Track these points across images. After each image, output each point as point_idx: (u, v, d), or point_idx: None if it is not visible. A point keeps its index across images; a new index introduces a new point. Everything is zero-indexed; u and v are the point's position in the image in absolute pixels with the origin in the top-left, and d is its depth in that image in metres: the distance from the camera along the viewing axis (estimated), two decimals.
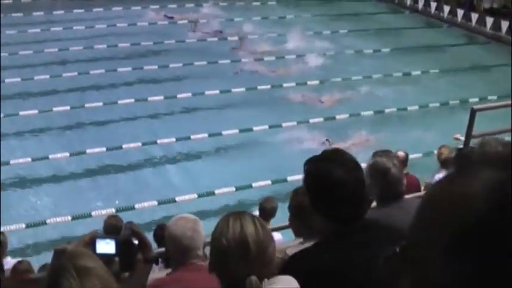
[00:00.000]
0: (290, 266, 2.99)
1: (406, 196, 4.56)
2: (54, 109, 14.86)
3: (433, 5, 26.33)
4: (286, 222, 4.51)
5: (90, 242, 3.16)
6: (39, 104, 15.11)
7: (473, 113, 6.89)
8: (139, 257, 3.51)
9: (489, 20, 23.96)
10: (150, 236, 6.62)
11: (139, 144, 13.46)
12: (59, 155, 12.87)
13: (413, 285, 0.99)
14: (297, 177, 9.08)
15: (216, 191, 11.79)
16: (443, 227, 0.94)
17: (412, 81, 18.33)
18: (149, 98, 15.75)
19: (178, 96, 16.07)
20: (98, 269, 2.23)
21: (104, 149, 13.12)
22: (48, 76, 16.89)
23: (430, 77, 18.71)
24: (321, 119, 15.00)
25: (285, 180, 11.61)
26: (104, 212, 10.56)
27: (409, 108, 16.09)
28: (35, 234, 10.76)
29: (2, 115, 14.09)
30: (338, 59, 19.89)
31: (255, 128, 14.33)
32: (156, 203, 11.38)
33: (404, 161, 8.95)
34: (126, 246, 3.38)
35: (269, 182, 12.11)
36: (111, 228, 7.49)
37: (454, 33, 24.34)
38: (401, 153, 9.07)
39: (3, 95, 15.18)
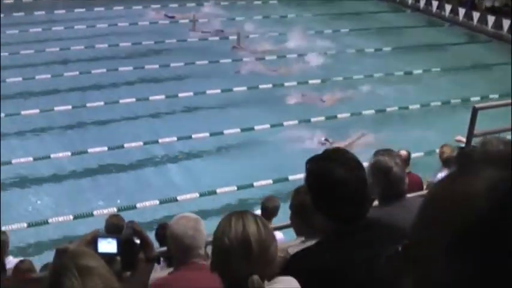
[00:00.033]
0: (292, 265, 3.00)
1: (408, 195, 4.55)
2: (56, 108, 14.86)
3: (435, 3, 26.32)
4: (288, 221, 4.51)
5: (92, 241, 3.16)
6: (41, 104, 15.11)
7: (474, 111, 6.89)
8: (140, 256, 3.52)
9: (490, 19, 23.93)
10: (151, 235, 6.62)
11: (141, 143, 13.46)
12: (60, 155, 12.88)
13: (416, 284, 0.99)
14: (298, 177, 9.11)
15: (218, 190, 11.79)
16: (445, 226, 0.94)
17: (414, 80, 18.31)
18: (150, 97, 15.75)
19: (180, 95, 16.07)
20: (99, 268, 2.23)
21: (106, 148, 13.13)
22: (49, 75, 16.90)
23: (431, 75, 18.69)
24: (323, 118, 14.99)
25: (287, 179, 11.61)
26: (105, 211, 10.56)
27: (410, 107, 16.08)
28: (37, 233, 10.76)
29: (3, 114, 14.09)
30: (339, 58, 19.88)
31: (256, 127, 14.32)
32: (157, 202, 11.38)
33: (406, 160, 8.96)
34: (127, 246, 3.39)
35: (270, 181, 12.10)
36: (113, 228, 7.49)
37: (456, 32, 24.32)
38: (403, 152, 9.06)
39: (5, 95, 15.20)
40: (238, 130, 14.16)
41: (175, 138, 13.74)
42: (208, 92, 16.23)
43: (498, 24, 23.61)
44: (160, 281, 4.08)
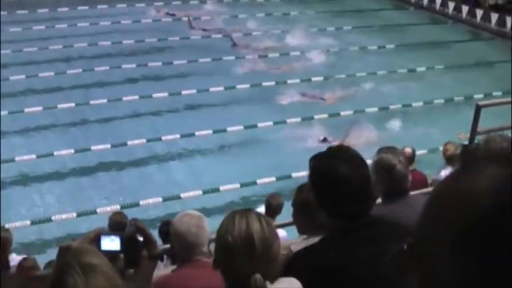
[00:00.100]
0: (295, 262, 3.00)
1: (412, 192, 4.55)
2: (59, 106, 14.87)
3: (438, 1, 26.25)
4: (291, 219, 4.51)
5: (95, 239, 3.16)
6: (44, 101, 15.13)
7: (478, 109, 6.90)
8: (144, 254, 3.52)
9: (494, 16, 23.87)
10: (155, 233, 6.63)
11: (144, 140, 13.47)
12: (63, 152, 12.89)
13: (421, 281, 0.99)
14: (301, 174, 9.07)
15: (221, 188, 11.79)
16: (449, 224, 0.94)
17: (417, 77, 18.28)
18: (154, 95, 15.76)
19: (183, 93, 16.06)
20: (103, 265, 2.23)
21: (109, 145, 13.14)
22: (52, 73, 16.90)
23: (434, 73, 18.66)
24: (326, 116, 14.99)
25: (290, 177, 11.59)
26: (108, 208, 10.57)
27: (413, 104, 16.05)
28: (40, 231, 10.78)
29: (6, 112, 14.11)
30: (342, 55, 19.85)
31: (259, 125, 14.31)
32: (160, 199, 11.40)
33: (411, 157, 8.95)
34: (130, 243, 3.39)
35: (274, 178, 12.10)
36: (116, 225, 7.51)
37: (459, 29, 24.26)
38: (408, 150, 9.05)
39: (8, 92, 15.23)
40: (241, 128, 14.16)
41: (178, 136, 13.74)
42: (211, 89, 16.23)
43: (501, 22, 23.56)
44: (164, 279, 4.08)
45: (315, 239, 3.26)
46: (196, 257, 3.98)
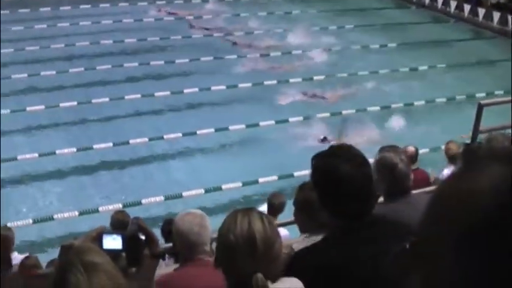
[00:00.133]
0: (296, 262, 2.99)
1: (414, 191, 4.55)
2: (61, 105, 14.87)
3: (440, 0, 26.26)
4: (293, 218, 4.51)
5: (97, 238, 3.16)
6: (46, 100, 15.13)
7: (480, 108, 6.88)
8: (146, 253, 3.52)
9: (496, 15, 23.86)
10: (157, 232, 6.63)
11: (146, 139, 13.48)
12: (65, 151, 12.90)
13: (424, 280, 0.99)
14: (303, 173, 9.09)
15: (223, 187, 11.79)
16: (452, 223, 0.94)
17: (419, 76, 18.27)
18: (155, 94, 15.77)
19: (185, 91, 16.06)
20: (105, 264, 2.23)
21: (111, 144, 13.14)
22: (54, 72, 16.91)
23: (436, 72, 18.65)
24: (328, 114, 14.99)
25: (292, 176, 11.60)
26: (110, 207, 10.58)
27: (415, 103, 16.05)
28: (42, 229, 10.78)
29: (8, 111, 14.12)
30: (344, 54, 19.84)
31: (261, 124, 14.31)
32: (162, 198, 11.40)
33: (414, 156, 8.95)
34: (132, 242, 3.38)
35: (275, 177, 12.10)
36: (118, 224, 7.50)
37: (461, 28, 24.25)
38: (411, 148, 9.04)
39: (10, 91, 15.25)
40: (243, 126, 14.16)
41: (180, 135, 13.75)
42: (213, 88, 16.24)
43: (503, 21, 23.53)
44: (166, 277, 4.08)
45: (316, 238, 3.26)
46: (198, 255, 3.98)
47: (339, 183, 2.92)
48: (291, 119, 14.56)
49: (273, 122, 14.42)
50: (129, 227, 3.67)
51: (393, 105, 15.69)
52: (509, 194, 0.91)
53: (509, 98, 8.41)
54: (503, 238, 0.90)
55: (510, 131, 7.11)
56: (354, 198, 2.92)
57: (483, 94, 15.58)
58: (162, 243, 6.27)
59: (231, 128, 14.06)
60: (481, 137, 6.87)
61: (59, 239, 9.87)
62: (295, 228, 4.64)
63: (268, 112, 14.97)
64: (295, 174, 11.34)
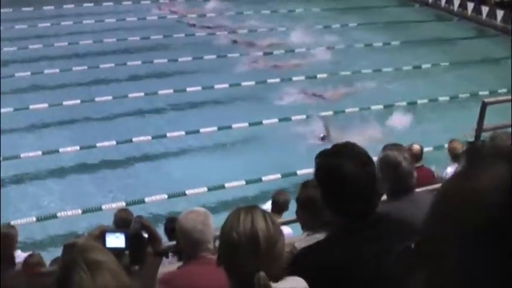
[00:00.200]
0: (300, 260, 2.99)
1: (417, 189, 4.55)
2: (64, 103, 14.87)
3: None
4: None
5: (100, 236, 3.17)
6: (49, 98, 15.12)
7: (484, 106, 6.88)
8: (149, 251, 3.52)
9: (499, 13, 23.82)
10: (160, 230, 6.64)
11: (149, 137, 13.47)
12: (68, 149, 12.90)
13: (428, 279, 0.99)
14: (306, 171, 9.10)
15: (226, 185, 11.79)
16: (456, 222, 0.94)
17: (422, 74, 18.25)
18: (158, 92, 15.77)
19: (188, 89, 16.06)
20: (108, 262, 2.23)
21: (114, 142, 13.15)
22: (58, 70, 16.92)
23: (440, 70, 18.62)
24: (331, 113, 14.98)
25: (295, 174, 11.59)
26: (113, 205, 10.58)
27: (418, 101, 16.03)
28: (46, 227, 10.79)
29: (11, 109, 14.14)
30: (347, 52, 19.82)
31: (264, 122, 14.31)
32: (166, 196, 11.39)
33: (419, 154, 8.93)
34: (135, 240, 3.39)
35: (279, 175, 12.09)
36: (121, 222, 7.50)
37: (464, 26, 24.21)
38: (416, 146, 9.01)
39: (14, 89, 15.27)
40: (246, 124, 14.14)
41: (183, 133, 13.75)
42: (216, 86, 16.23)
43: (507, 19, 23.48)
44: (169, 275, 4.08)
45: (318, 236, 3.26)
46: (201, 253, 3.98)
47: (343, 181, 2.91)
48: (294, 117, 14.54)
49: (276, 120, 14.41)
50: (132, 225, 3.66)
51: (396, 104, 15.67)
52: None
53: None
54: (507, 237, 0.89)
55: (510, 130, 7.09)
56: (358, 197, 2.92)
57: (486, 92, 15.54)
58: (165, 241, 6.26)
59: (234, 126, 14.05)
60: (485, 135, 6.86)
61: (62, 237, 9.87)
62: (298, 226, 4.64)
63: (271, 110, 14.96)
64: (299, 172, 11.33)
